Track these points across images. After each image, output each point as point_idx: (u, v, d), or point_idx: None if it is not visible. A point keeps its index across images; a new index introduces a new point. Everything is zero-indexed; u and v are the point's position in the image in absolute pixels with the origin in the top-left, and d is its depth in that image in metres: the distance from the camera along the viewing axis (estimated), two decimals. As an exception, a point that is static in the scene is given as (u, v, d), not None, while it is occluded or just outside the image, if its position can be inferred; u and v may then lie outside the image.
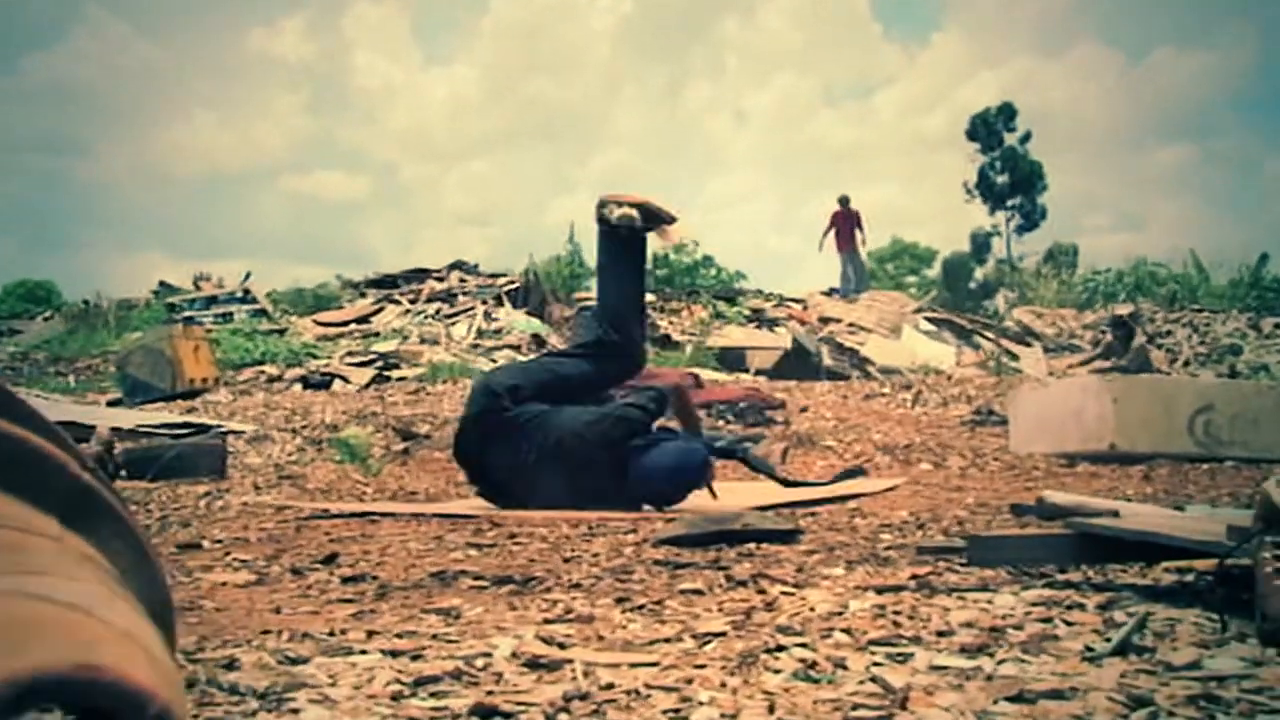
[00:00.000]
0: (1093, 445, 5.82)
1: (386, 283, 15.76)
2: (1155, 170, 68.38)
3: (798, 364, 14.66)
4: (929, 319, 16.79)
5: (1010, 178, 39.49)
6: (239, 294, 14.51)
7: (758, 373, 14.07)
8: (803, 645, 1.53)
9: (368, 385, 11.09)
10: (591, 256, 20.20)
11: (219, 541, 3.03)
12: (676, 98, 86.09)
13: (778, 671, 1.40)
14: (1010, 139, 39.89)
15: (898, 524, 3.30)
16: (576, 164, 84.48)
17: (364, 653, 1.54)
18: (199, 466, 5.54)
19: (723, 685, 1.33)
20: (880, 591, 1.97)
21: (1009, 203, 39.74)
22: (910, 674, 1.38)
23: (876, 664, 1.43)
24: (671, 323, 16.51)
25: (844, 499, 4.28)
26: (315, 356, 12.71)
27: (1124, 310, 16.81)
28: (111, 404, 9.17)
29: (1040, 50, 74.03)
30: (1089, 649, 1.51)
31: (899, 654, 1.49)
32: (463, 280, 15.61)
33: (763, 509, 3.64)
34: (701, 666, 1.45)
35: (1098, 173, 69.18)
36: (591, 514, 3.54)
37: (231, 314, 13.87)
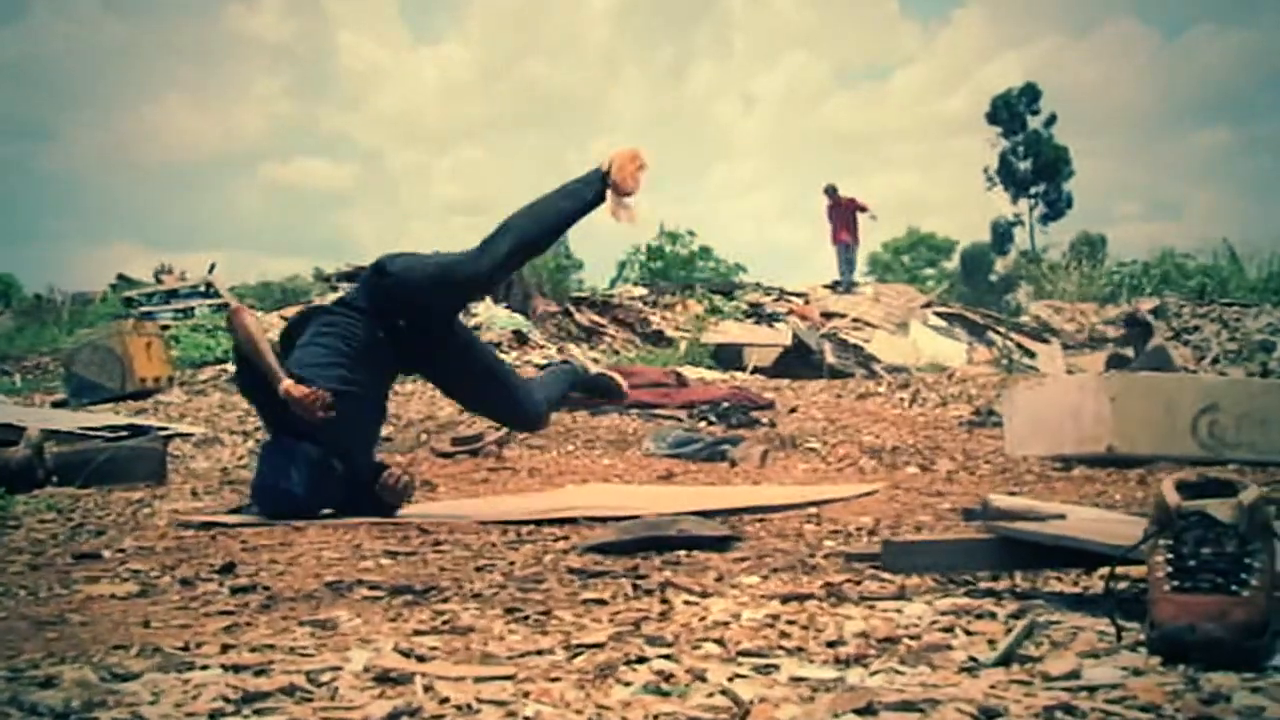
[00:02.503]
0: (1090, 447, 5.82)
1: (360, 275, 15.76)
2: (1191, 155, 68.30)
3: (799, 362, 14.66)
4: (939, 314, 16.80)
5: (1034, 164, 39.50)
6: (201, 288, 14.53)
7: (755, 371, 14.07)
8: (666, 657, 1.53)
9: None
10: (578, 247, 20.26)
11: (122, 551, 3.04)
12: (680, 80, 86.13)
13: (628, 684, 1.41)
14: (1034, 122, 39.91)
15: (851, 530, 3.30)
16: (575, 150, 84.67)
17: (205, 667, 1.55)
18: (135, 471, 5.55)
19: (561, 699, 1.34)
20: (785, 600, 1.98)
21: (1032, 190, 39.77)
22: (768, 686, 1.39)
23: (738, 676, 1.44)
24: (665, 318, 16.51)
25: (815, 504, 4.29)
26: (281, 354, 12.72)
27: (1146, 305, 16.81)
28: (57, 405, 9.20)
29: (1068, 28, 74.02)
30: (973, 659, 1.52)
31: (767, 665, 1.50)
32: (441, 273, 15.62)
33: (716, 514, 3.66)
34: (556, 679, 1.46)
35: (1129, 158, 69.15)
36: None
37: (193, 309, 13.89)
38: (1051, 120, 40.25)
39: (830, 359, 14.82)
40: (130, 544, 3.23)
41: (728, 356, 14.77)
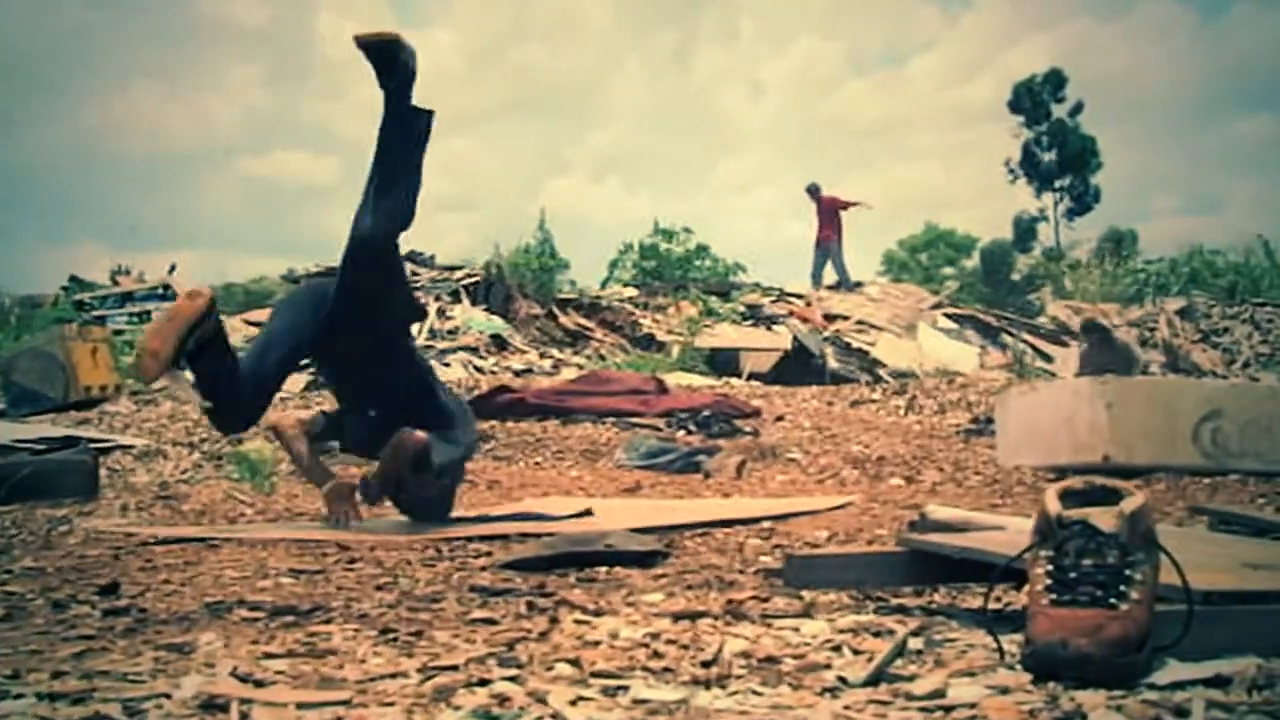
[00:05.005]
0: (1085, 457, 5.81)
1: (328, 276, 15.74)
2: (1231, 145, 68.15)
3: (799, 367, 14.65)
4: (949, 315, 16.78)
5: (1059, 155, 39.38)
6: (159, 290, 14.54)
7: (752, 377, 14.06)
8: (512, 679, 1.53)
9: (304, 392, 11.11)
10: (564, 246, 20.24)
11: (9, 572, 3.04)
12: (684, 67, 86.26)
13: (459, 708, 1.41)
14: (1059, 110, 39.81)
15: (798, 546, 3.30)
16: (572, 142, 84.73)
17: (20, 696, 1.55)
18: (63, 485, 5.54)
19: (377, 724, 1.34)
20: (677, 618, 1.98)
21: (1057, 183, 39.67)
22: (607, 709, 1.39)
23: (581, 698, 1.44)
24: (656, 321, 16.48)
25: (784, 517, 4.29)
26: (243, 361, 12.73)
27: (1172, 305, 16.78)
28: (-4, 417, 9.20)
29: (1097, 9, 74.09)
30: (841, 679, 1.52)
31: (617, 687, 1.50)
32: (416, 274, 15.62)
33: (663, 529, 3.66)
34: (389, 704, 1.45)
35: (1162, 149, 69.08)
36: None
37: (149, 313, 13.89)
38: (1078, 108, 40.09)
39: (833, 364, 14.82)
40: (26, 564, 3.24)
41: (724, 361, 14.74)
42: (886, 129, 79.91)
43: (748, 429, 8.08)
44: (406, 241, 4.21)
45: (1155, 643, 1.45)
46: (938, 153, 75.39)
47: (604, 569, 2.78)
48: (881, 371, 14.59)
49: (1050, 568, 1.48)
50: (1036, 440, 6.14)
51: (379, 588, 2.63)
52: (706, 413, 8.28)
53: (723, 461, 6.54)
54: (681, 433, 7.97)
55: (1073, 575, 1.46)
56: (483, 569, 2.91)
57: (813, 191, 17.58)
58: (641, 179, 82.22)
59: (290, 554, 3.38)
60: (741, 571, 2.72)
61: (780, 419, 8.61)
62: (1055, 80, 40.42)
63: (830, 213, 17.37)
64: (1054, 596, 1.46)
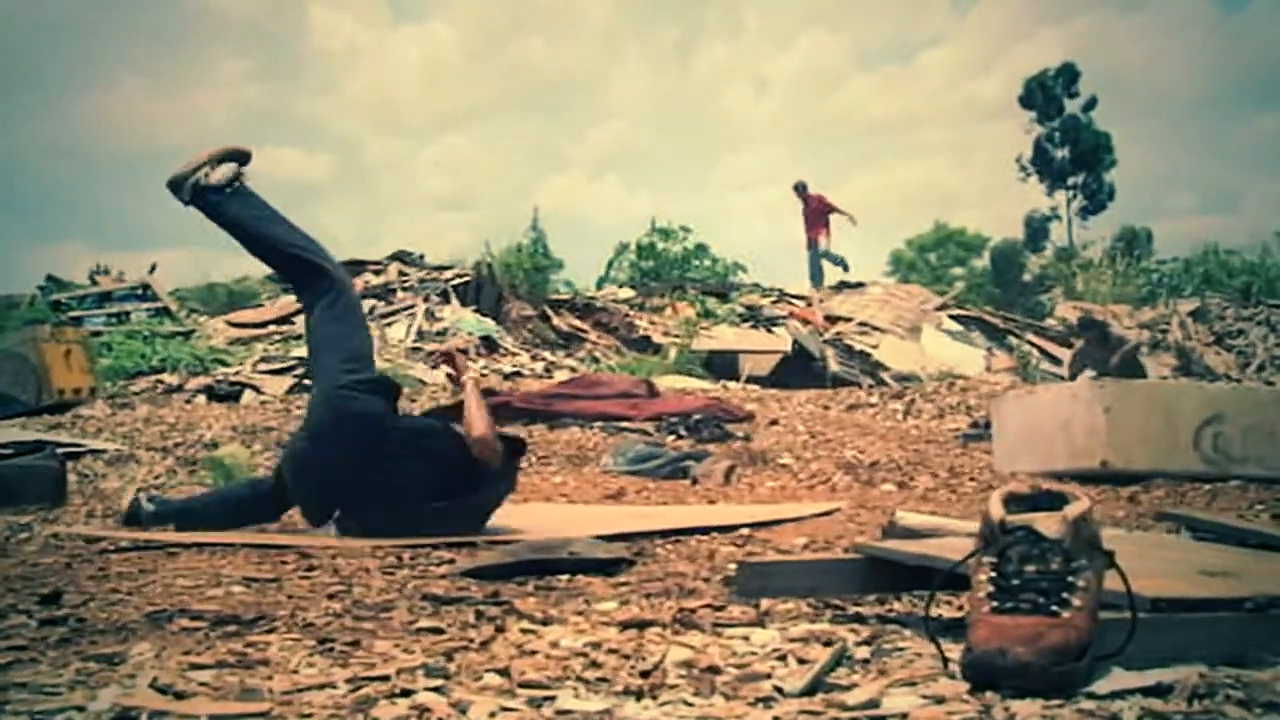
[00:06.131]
0: (1083, 462, 5.81)
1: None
2: (1250, 142, 68.07)
3: (799, 370, 14.64)
4: (954, 317, 16.76)
5: (1071, 151, 39.34)
6: (139, 290, 14.54)
7: (751, 380, 14.05)
8: (437, 690, 1.53)
9: (289, 394, 11.12)
10: (562, 246, 20.26)
11: (-44, 579, 3.04)
12: (686, 62, 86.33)
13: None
14: (1071, 106, 39.75)
15: (772, 553, 3.30)
16: (571, 139, 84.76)
17: (-72, 710, 1.54)
18: (27, 491, 5.54)
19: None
20: (625, 627, 1.98)
21: (1070, 181, 39.62)
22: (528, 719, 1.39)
23: (504, 709, 1.44)
24: (653, 322, 16.47)
25: (765, 524, 4.29)
26: (224, 363, 12.73)
27: (1185, 307, 16.77)
28: (-35, 420, 9.18)
29: (1113, 1, 74.03)
30: (778, 689, 1.51)
31: (544, 697, 1.49)
32: (404, 274, 15.63)
33: (634, 536, 3.66)
34: (308, 715, 1.45)
35: (1179, 145, 69.03)
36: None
37: (128, 313, 13.90)
38: (1092, 104, 40.02)
39: (834, 366, 14.80)
40: (-27, 572, 3.23)
41: (721, 364, 14.73)
42: (893, 126, 79.99)
43: (739, 434, 8.07)
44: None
45: (1100, 650, 1.45)
46: (947, 150, 75.44)
47: (565, 577, 2.78)
48: (884, 374, 14.58)
49: (993, 574, 1.48)
50: (1034, 445, 6.13)
51: (330, 596, 2.62)
52: (697, 417, 8.28)
53: (711, 467, 6.53)
54: (671, 437, 7.96)
55: (1015, 582, 1.46)
56: (442, 577, 2.91)
57: (800, 189, 17.70)
58: (642, 177, 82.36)
59: (249, 561, 3.38)
60: (706, 580, 2.72)
61: (774, 423, 8.60)
62: (1068, 75, 40.36)
63: (819, 212, 17.47)
64: (995, 604, 1.45)
